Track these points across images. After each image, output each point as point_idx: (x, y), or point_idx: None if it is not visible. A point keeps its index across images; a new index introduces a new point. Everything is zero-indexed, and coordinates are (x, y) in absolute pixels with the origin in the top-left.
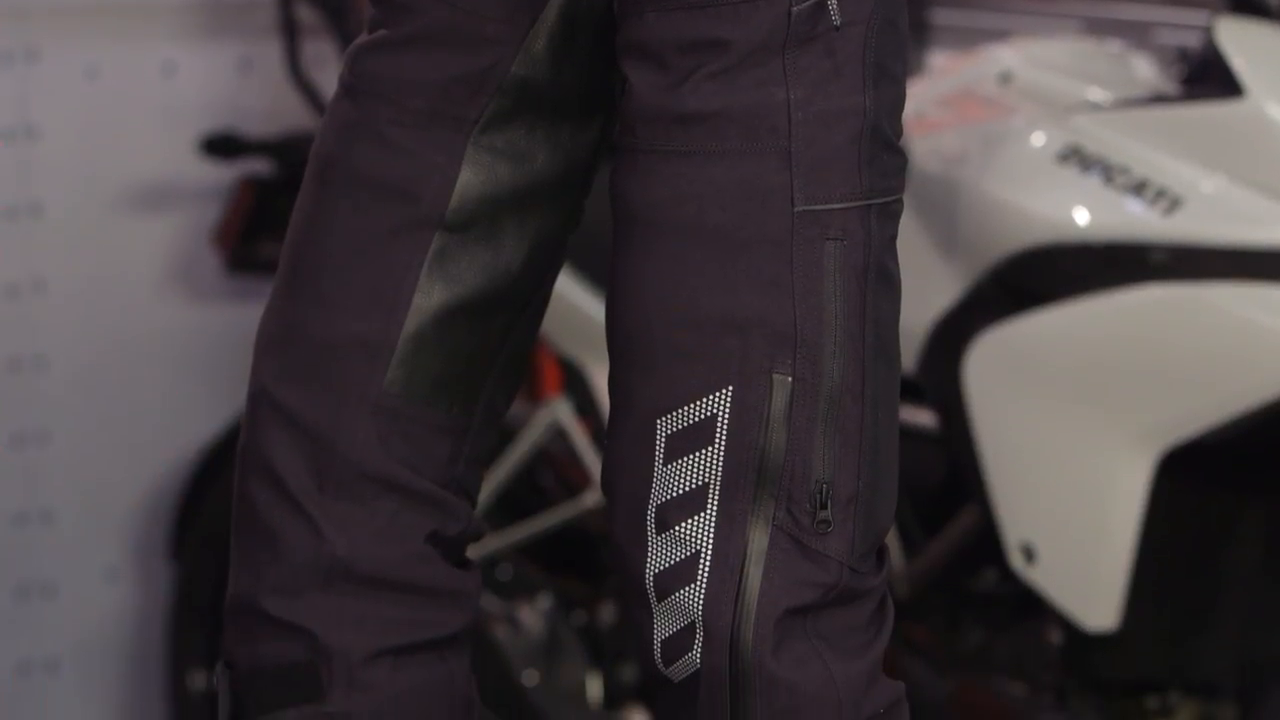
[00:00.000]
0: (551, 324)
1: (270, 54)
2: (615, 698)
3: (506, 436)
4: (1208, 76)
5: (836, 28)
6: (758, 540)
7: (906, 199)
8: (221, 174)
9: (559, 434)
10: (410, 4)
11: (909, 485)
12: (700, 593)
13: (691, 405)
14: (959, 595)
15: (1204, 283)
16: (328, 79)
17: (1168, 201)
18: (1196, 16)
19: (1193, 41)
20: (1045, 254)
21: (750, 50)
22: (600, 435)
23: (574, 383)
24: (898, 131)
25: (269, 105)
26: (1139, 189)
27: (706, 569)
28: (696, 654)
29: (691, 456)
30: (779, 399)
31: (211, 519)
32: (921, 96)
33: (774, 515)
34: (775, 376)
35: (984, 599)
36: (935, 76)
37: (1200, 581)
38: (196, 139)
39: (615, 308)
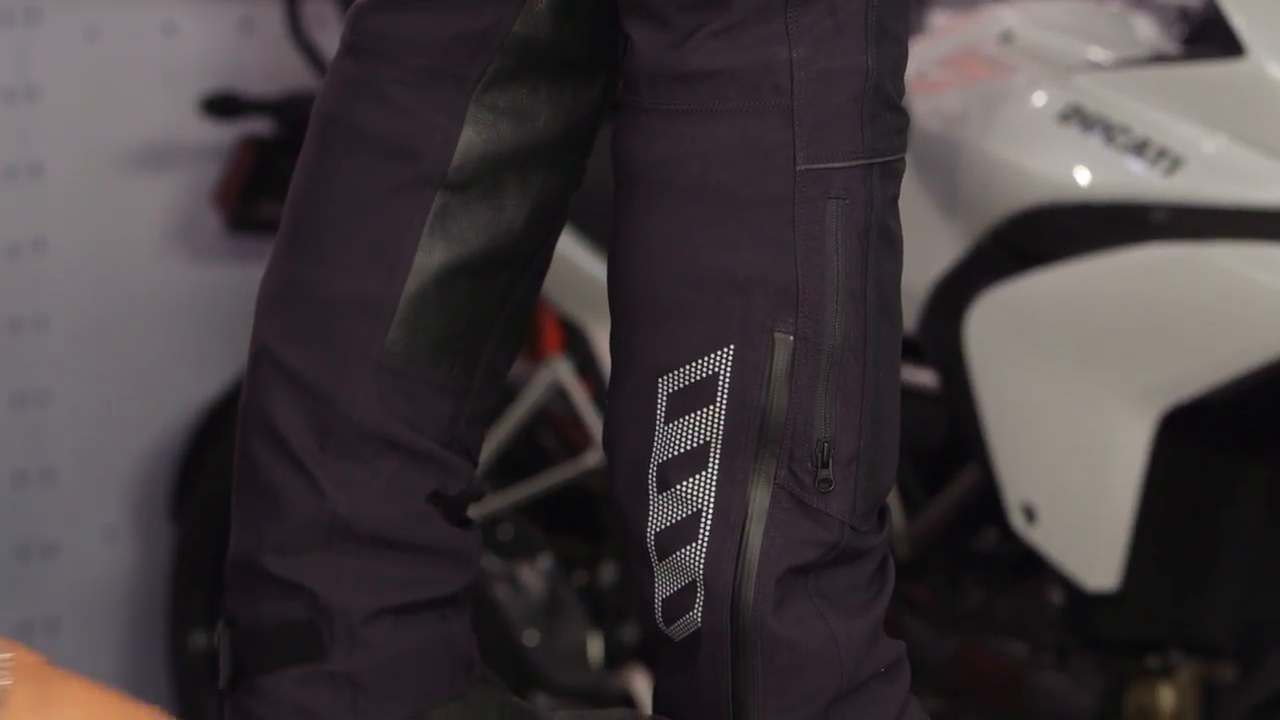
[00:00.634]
0: (552, 284)
1: (271, 14)
2: (616, 657)
3: (507, 396)
4: (1208, 36)
5: None
6: (759, 499)
7: (907, 159)
8: (222, 134)
9: (560, 394)
10: None
11: (909, 445)
12: (701, 552)
13: (693, 364)
14: (959, 555)
15: (1205, 242)
16: (328, 39)
17: (1169, 161)
18: None
19: (1193, 1)
20: (1046, 214)
21: (753, 8)
22: (601, 395)
23: (575, 342)
24: (900, 91)
25: (269, 65)
26: (1140, 148)
27: (708, 528)
28: (697, 613)
29: (693, 415)
30: (781, 358)
31: (212, 479)
32: (923, 56)
33: (775, 474)
34: (777, 335)
35: (984, 559)
36: (936, 36)
37: (1201, 542)
38: (197, 99)
39: (617, 267)
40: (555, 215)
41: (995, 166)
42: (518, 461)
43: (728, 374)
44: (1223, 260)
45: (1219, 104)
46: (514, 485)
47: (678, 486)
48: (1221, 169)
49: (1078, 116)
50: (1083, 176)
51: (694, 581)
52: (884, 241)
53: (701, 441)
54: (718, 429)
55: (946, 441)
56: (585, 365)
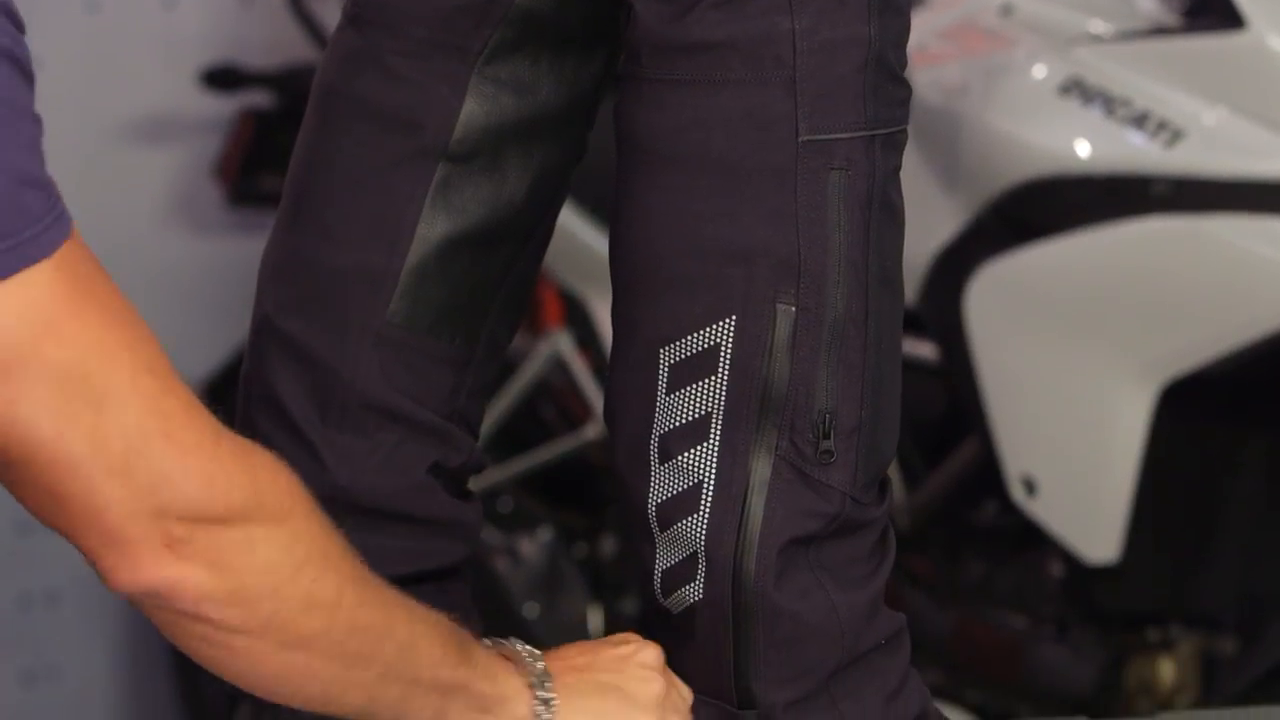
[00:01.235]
0: (553, 256)
1: None
2: (616, 629)
3: (507, 369)
4: (1209, 8)
5: None
6: (760, 470)
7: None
8: (222, 106)
9: (560, 366)
10: None
11: (910, 417)
12: (703, 523)
13: (695, 335)
14: (960, 528)
15: (1205, 215)
16: (328, 11)
17: (1169, 133)
18: None
19: None
20: (1046, 186)
21: None
22: (601, 368)
23: (575, 315)
24: (902, 63)
25: (269, 37)
26: (1140, 121)
27: (709, 499)
28: (699, 585)
29: (694, 386)
30: (782, 329)
31: None
32: (923, 29)
33: (777, 445)
34: (779, 306)
35: (985, 531)
36: (937, 9)
37: (1201, 514)
38: (197, 71)
39: (619, 238)
40: (557, 188)
41: (995, 139)
42: (518, 434)
43: (729, 345)
44: (1223, 233)
45: (1219, 76)
46: (514, 458)
47: (679, 457)
48: (1222, 141)
49: (1078, 89)
50: (1083, 149)
51: (695, 553)
52: (886, 213)
53: (703, 412)
54: (719, 400)
55: (947, 414)
56: (585, 338)
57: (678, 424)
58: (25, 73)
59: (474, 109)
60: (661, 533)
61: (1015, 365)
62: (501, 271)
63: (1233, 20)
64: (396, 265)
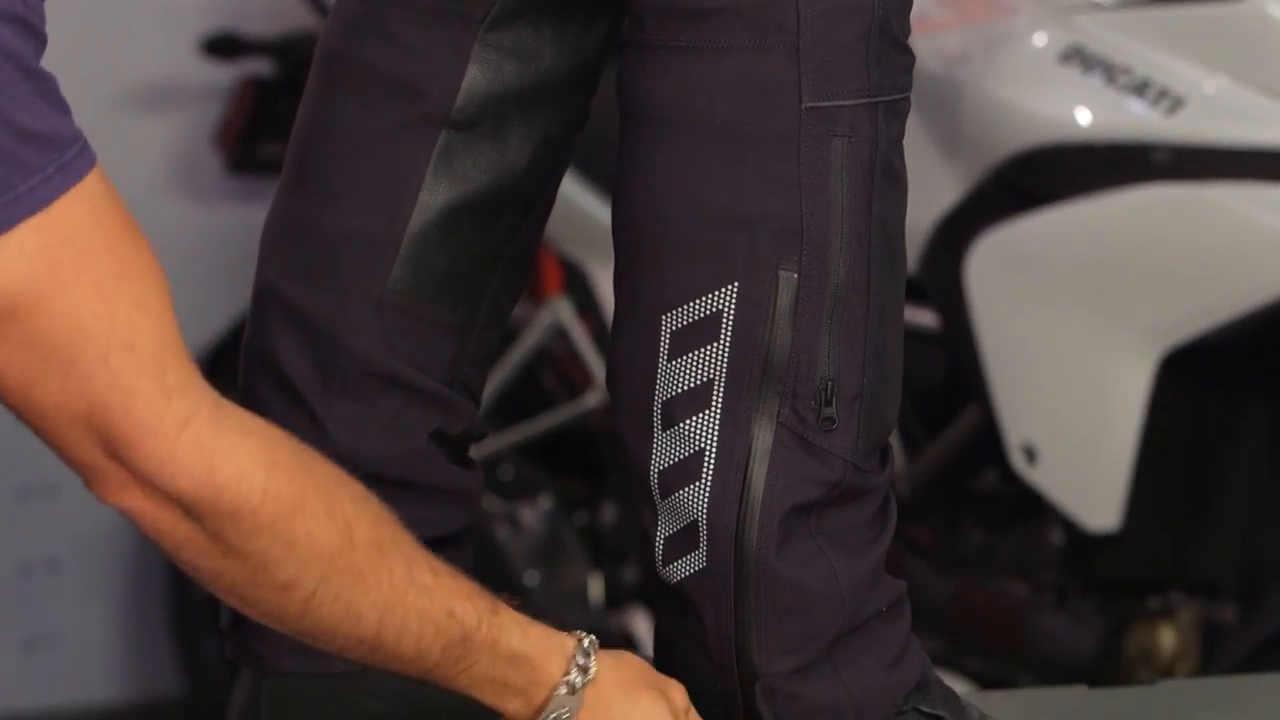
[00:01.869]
0: (553, 223)
1: None
2: (616, 598)
3: (508, 337)
4: None
5: None
6: (762, 438)
7: None
8: (222, 74)
9: (560, 334)
10: None
11: (910, 385)
12: (704, 492)
13: (697, 301)
14: (960, 495)
15: (1206, 183)
16: None
17: (1170, 101)
18: None
19: None
20: (1047, 154)
21: None
22: (602, 336)
23: (575, 282)
24: (905, 30)
25: (269, 6)
26: (1141, 89)
27: (711, 466)
28: (700, 553)
29: (696, 352)
30: (785, 295)
31: None
32: None
33: (778, 412)
34: (781, 273)
35: (985, 499)
36: None
37: (1202, 482)
38: (197, 39)
39: (621, 204)
40: (559, 155)
41: (996, 107)
42: (518, 402)
43: (731, 311)
44: (1223, 200)
45: (1220, 44)
46: (515, 425)
47: (681, 424)
48: (1222, 109)
49: (1079, 57)
50: (1084, 117)
51: (696, 521)
52: (889, 180)
53: (705, 379)
54: (721, 367)
55: (947, 382)
56: (586, 305)
57: (680, 390)
58: (35, 34)
59: (477, 76)
60: (663, 500)
61: (1016, 333)
62: (504, 239)
63: None
64: (399, 232)
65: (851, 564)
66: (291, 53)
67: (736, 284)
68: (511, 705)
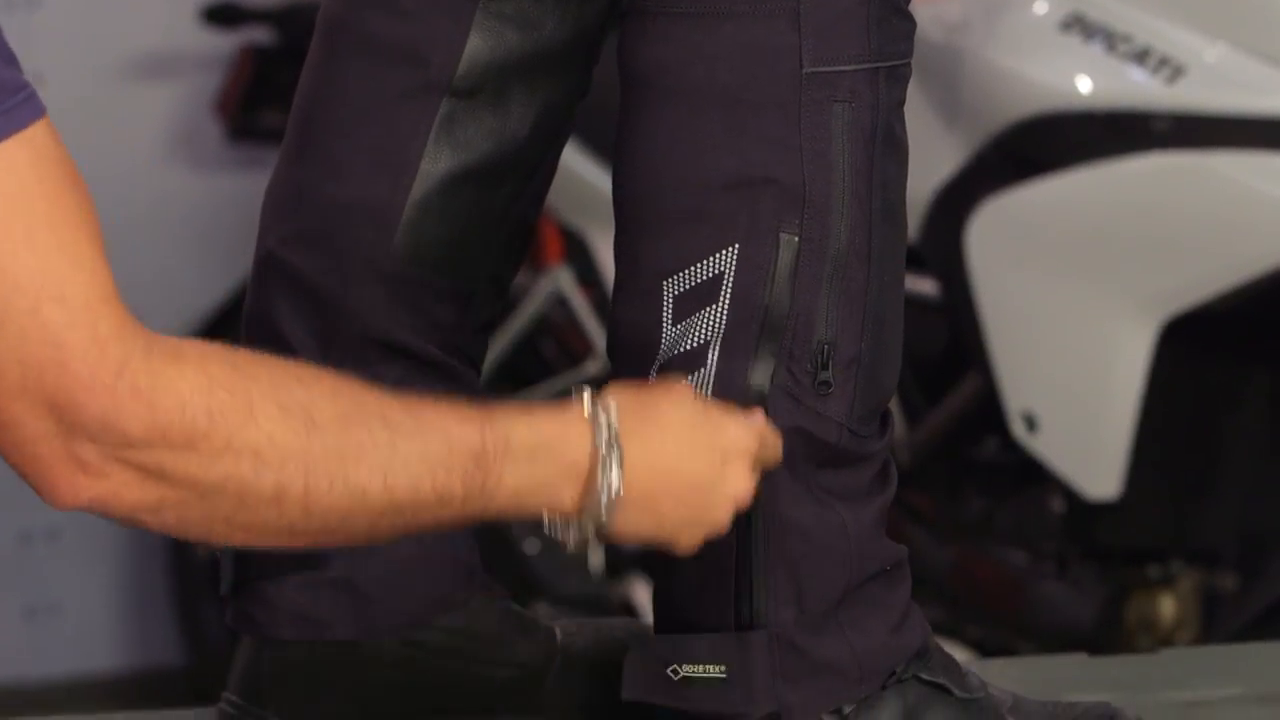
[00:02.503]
0: (553, 192)
1: None
2: (617, 567)
3: (508, 305)
4: None
5: None
6: (755, 399)
7: None
8: (223, 43)
9: (560, 302)
10: None
11: (911, 354)
12: None
13: (698, 265)
14: (960, 464)
15: (1206, 151)
16: None
17: (1170, 70)
18: None
19: None
20: (1048, 122)
21: None
22: (602, 304)
23: (575, 251)
24: None
25: None
26: (1142, 57)
27: None
28: None
29: (697, 315)
30: (785, 257)
31: None
32: None
33: (774, 374)
34: (782, 236)
35: (985, 467)
36: None
37: (1202, 450)
38: (198, 7)
39: (622, 171)
40: (560, 124)
41: (997, 75)
42: (519, 370)
43: (732, 272)
44: (1224, 169)
45: (1221, 13)
46: (515, 394)
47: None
48: (1223, 78)
49: (1079, 25)
50: (1084, 85)
51: None
52: (889, 146)
53: (703, 340)
54: (719, 328)
55: (948, 350)
56: (586, 273)
57: (678, 352)
58: None
59: (478, 44)
60: None
61: (1016, 301)
62: (505, 207)
63: None
64: (400, 200)
65: (857, 514)
66: (292, 21)
67: (737, 246)
68: (564, 497)
